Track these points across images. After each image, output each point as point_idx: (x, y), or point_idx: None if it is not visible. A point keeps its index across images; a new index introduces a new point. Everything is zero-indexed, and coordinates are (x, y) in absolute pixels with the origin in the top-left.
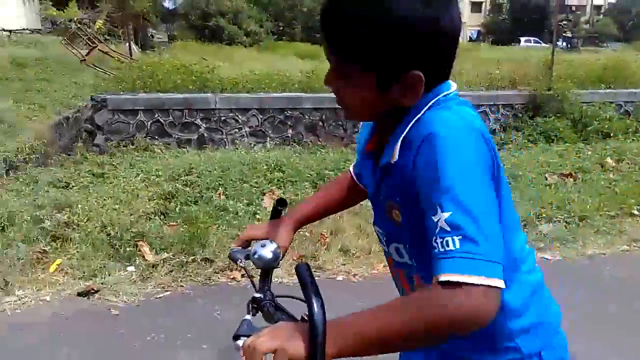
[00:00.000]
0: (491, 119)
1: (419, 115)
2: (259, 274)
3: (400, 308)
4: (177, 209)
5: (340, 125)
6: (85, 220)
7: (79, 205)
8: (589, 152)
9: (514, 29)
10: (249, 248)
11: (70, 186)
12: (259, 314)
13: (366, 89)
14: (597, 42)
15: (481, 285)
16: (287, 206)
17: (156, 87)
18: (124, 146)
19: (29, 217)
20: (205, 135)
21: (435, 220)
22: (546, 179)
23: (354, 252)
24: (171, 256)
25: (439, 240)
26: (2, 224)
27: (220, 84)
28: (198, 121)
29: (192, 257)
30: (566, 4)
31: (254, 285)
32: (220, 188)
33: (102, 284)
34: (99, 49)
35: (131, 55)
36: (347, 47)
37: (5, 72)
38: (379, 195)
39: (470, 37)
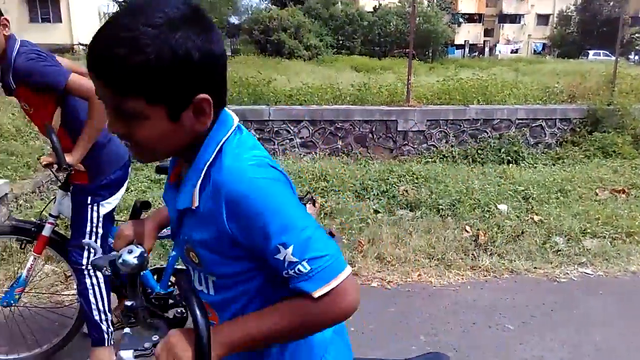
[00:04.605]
0: (547, 132)
1: (211, 157)
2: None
3: (287, 316)
4: None
5: (390, 137)
6: None
7: None
8: None
9: (583, 41)
10: (112, 254)
11: (129, 190)
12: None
13: (158, 122)
14: None
15: (343, 280)
16: (149, 208)
17: None
18: None
19: None
20: None
21: (281, 258)
22: (597, 194)
23: (390, 259)
24: None
25: (291, 272)
26: (65, 224)
27: (275, 96)
28: (252, 132)
29: None
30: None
31: (124, 293)
32: None
33: None
34: None
35: None
36: (129, 82)
37: None
38: (179, 236)
39: (534, 50)
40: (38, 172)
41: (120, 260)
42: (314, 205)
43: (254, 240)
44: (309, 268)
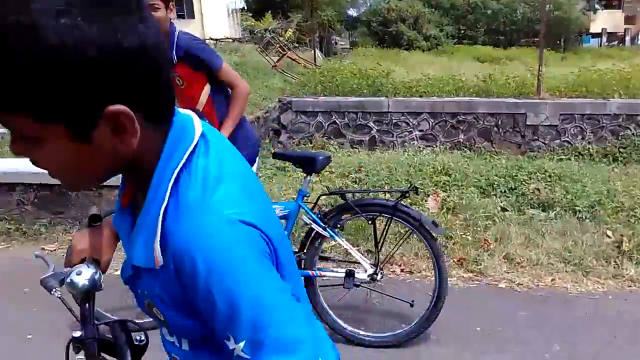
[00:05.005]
0: None
1: (165, 200)
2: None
3: None
4: None
5: (517, 132)
6: None
7: None
8: None
9: None
10: (64, 270)
11: (258, 177)
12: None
13: (60, 145)
14: None
15: None
16: (101, 222)
17: (335, 91)
18: (303, 144)
19: None
20: (377, 137)
21: (230, 346)
22: None
23: (520, 261)
24: None
25: None
26: None
27: (394, 88)
28: (370, 123)
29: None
30: None
31: (76, 318)
32: (385, 187)
33: None
34: (288, 56)
35: (315, 61)
36: (6, 97)
37: None
38: (136, 287)
39: None
40: None
41: (68, 281)
42: (415, 193)
43: (200, 306)
44: None
